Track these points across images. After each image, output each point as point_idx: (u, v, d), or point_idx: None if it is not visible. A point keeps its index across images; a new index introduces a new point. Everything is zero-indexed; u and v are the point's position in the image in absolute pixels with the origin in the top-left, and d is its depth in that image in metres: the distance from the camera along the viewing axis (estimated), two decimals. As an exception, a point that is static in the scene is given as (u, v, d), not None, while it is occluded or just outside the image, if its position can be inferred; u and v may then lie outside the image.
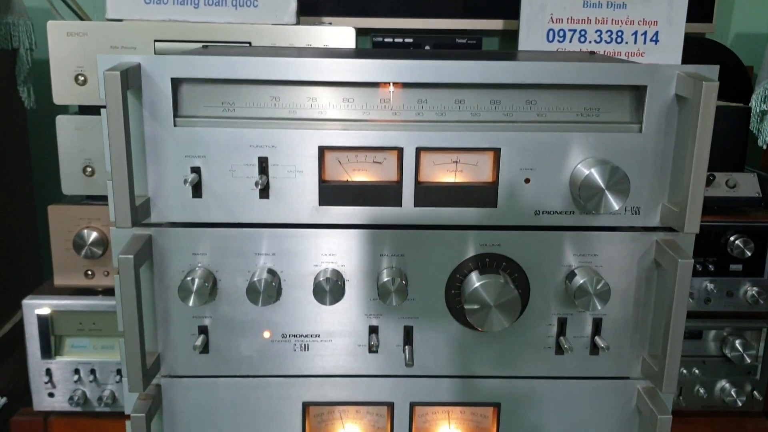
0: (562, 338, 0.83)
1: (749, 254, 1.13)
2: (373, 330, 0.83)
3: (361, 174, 0.80)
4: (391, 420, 0.87)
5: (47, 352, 1.11)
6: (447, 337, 0.84)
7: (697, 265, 1.14)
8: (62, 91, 1.08)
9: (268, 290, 0.79)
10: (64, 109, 1.15)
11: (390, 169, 0.79)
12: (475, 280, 0.79)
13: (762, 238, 1.14)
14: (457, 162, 0.80)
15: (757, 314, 1.16)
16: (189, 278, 0.78)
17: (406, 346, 0.83)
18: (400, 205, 0.79)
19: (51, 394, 1.12)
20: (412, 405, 0.86)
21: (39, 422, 1.14)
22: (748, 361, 1.15)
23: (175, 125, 0.76)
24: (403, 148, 0.78)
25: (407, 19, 1.50)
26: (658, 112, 0.77)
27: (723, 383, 1.19)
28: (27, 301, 1.10)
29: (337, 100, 0.78)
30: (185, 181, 0.76)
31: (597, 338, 0.83)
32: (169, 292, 0.81)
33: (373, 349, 0.83)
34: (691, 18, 1.30)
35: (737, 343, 1.16)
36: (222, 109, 0.78)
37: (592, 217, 0.80)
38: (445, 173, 0.80)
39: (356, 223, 0.80)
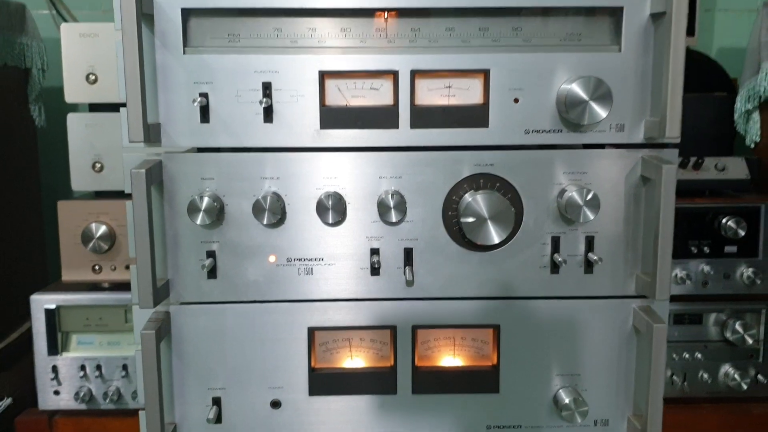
0: (556, 254, 0.86)
1: (742, 234, 1.14)
2: (375, 252, 0.87)
3: (359, 100, 0.84)
4: (394, 344, 0.89)
5: (54, 348, 1.11)
6: (445, 259, 0.87)
7: (693, 248, 1.16)
8: (73, 90, 1.12)
9: (273, 207, 0.83)
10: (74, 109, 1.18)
11: (386, 95, 0.84)
12: (469, 197, 0.83)
13: (754, 218, 1.15)
14: (449, 87, 0.85)
15: (755, 296, 1.17)
16: (197, 197, 0.82)
17: (407, 267, 0.86)
18: (397, 127, 0.84)
19: (57, 392, 1.12)
20: (414, 328, 0.89)
21: (44, 421, 1.13)
22: (750, 342, 1.15)
23: (184, 53, 0.82)
24: (398, 71, 0.83)
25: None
26: (635, 31, 0.83)
27: (726, 367, 1.19)
28: (35, 297, 1.11)
29: (335, 30, 0.83)
30: (194, 101, 0.81)
31: (590, 254, 0.86)
32: (178, 218, 0.85)
33: (375, 267, 0.86)
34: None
35: (737, 325, 1.16)
36: (228, 40, 0.83)
37: (580, 134, 0.85)
38: (438, 98, 0.85)
39: (356, 146, 0.85)
